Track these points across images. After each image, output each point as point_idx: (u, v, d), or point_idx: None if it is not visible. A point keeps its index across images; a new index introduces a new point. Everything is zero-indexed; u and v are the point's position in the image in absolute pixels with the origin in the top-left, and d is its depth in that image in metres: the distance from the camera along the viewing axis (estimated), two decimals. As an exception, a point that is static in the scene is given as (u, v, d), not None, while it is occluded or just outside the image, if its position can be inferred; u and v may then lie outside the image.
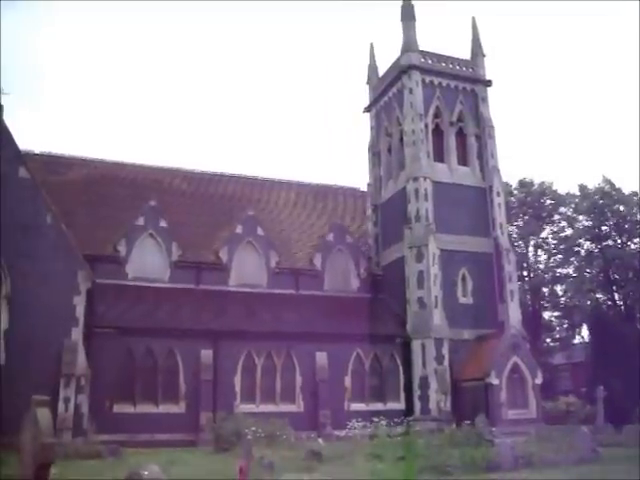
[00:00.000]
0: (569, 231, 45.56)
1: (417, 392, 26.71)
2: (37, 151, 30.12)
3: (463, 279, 29.14)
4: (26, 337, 19.94)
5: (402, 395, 27.30)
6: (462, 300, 28.87)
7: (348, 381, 26.53)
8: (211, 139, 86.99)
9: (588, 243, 44.06)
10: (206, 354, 24.27)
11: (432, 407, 26.19)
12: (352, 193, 36.89)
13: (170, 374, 24.02)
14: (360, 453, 16.22)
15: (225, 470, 12.93)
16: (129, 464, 12.86)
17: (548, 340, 47.17)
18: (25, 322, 20.15)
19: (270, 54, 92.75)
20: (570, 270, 45.52)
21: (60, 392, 19.94)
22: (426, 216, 28.68)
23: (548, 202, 46.44)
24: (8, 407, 16.38)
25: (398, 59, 32.17)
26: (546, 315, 47.33)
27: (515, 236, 44.69)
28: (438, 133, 31.40)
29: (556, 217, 46.61)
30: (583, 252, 44.38)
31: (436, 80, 31.55)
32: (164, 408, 23.62)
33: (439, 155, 30.97)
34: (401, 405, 27.03)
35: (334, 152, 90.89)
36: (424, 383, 26.59)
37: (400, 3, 32.07)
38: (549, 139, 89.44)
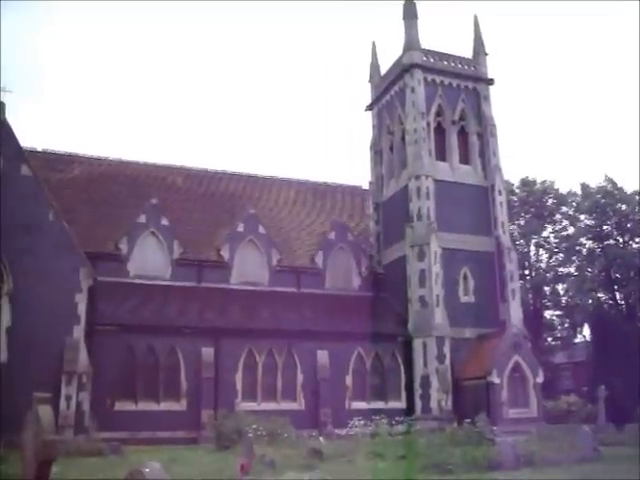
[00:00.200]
0: (571, 230, 45.54)
1: (418, 391, 26.71)
2: (39, 149, 30.13)
3: (465, 278, 29.13)
4: (28, 335, 19.99)
5: (403, 394, 27.30)
6: (463, 299, 28.86)
7: (349, 380, 26.52)
8: (212, 137, 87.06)
9: (590, 242, 44.09)
10: (207, 352, 24.29)
11: (433, 406, 26.18)
12: (351, 191, 36.81)
13: (171, 372, 24.05)
14: (361, 452, 16.21)
15: (226, 468, 12.93)
16: (130, 462, 12.87)
17: (549, 339, 47.22)
18: (27, 320, 20.19)
19: (272, 52, 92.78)
20: (572, 269, 45.55)
21: (62, 390, 19.99)
22: (428, 215, 28.66)
23: (550, 201, 46.44)
24: (10, 405, 16.42)
25: (400, 57, 32.14)
26: (547, 314, 47.35)
27: (517, 235, 44.65)
28: (440, 131, 31.36)
29: (558, 216, 46.61)
30: (585, 251, 44.39)
31: (438, 78, 31.50)
32: (165, 406, 23.66)
33: (441, 153, 30.94)
34: (402, 404, 27.02)
35: (336, 150, 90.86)
36: (425, 382, 26.59)
37: (402, 2, 32.04)
38: (551, 138, 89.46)
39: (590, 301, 42.81)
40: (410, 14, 31.71)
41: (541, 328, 44.33)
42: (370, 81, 35.47)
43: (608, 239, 42.88)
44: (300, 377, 25.80)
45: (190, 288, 27.28)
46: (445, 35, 74.05)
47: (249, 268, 29.02)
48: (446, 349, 26.91)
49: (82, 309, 21.60)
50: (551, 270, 46.17)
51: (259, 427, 18.32)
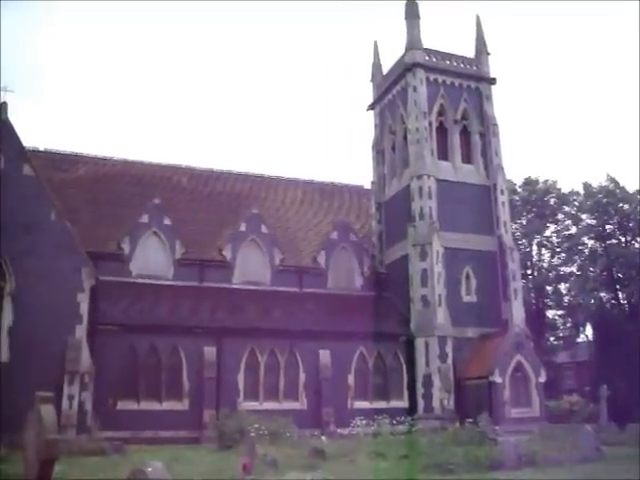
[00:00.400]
0: (573, 229, 45.49)
1: (420, 390, 26.69)
2: (41, 148, 30.19)
3: (467, 277, 29.09)
4: (30, 334, 20.01)
5: (405, 393, 27.28)
6: (466, 298, 28.83)
7: (351, 379, 26.49)
8: (217, 137, 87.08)
9: (592, 242, 44.04)
10: (209, 351, 24.31)
11: (435, 405, 26.15)
12: (357, 191, 36.86)
13: (173, 371, 24.05)
14: (363, 451, 16.22)
15: (228, 468, 12.95)
16: (132, 461, 12.87)
17: (552, 339, 47.13)
18: (29, 319, 20.21)
19: (275, 53, 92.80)
20: (574, 269, 45.51)
21: (64, 389, 20.03)
22: (430, 214, 28.63)
23: (552, 200, 46.38)
24: (12, 404, 16.40)
25: (402, 57, 32.09)
26: (550, 314, 47.30)
27: (519, 234, 44.60)
28: (442, 131, 31.32)
29: (560, 215, 46.57)
30: (587, 251, 44.35)
31: (440, 78, 31.44)
32: (167, 405, 23.67)
33: (443, 153, 30.91)
34: (404, 403, 26.99)
35: (338, 150, 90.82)
36: (427, 381, 26.56)
37: (404, 1, 31.99)
38: (553, 137, 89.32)
39: (592, 301, 42.75)
40: (412, 14, 31.65)
41: (543, 328, 44.26)
42: (372, 80, 35.42)
43: (610, 238, 42.81)
44: (302, 377, 25.79)
45: (192, 288, 27.27)
46: (447, 35, 74.10)
47: (251, 268, 29.01)
48: (448, 348, 26.88)
49: (84, 309, 21.62)
50: (553, 269, 46.13)
51: (261, 427, 18.32)
